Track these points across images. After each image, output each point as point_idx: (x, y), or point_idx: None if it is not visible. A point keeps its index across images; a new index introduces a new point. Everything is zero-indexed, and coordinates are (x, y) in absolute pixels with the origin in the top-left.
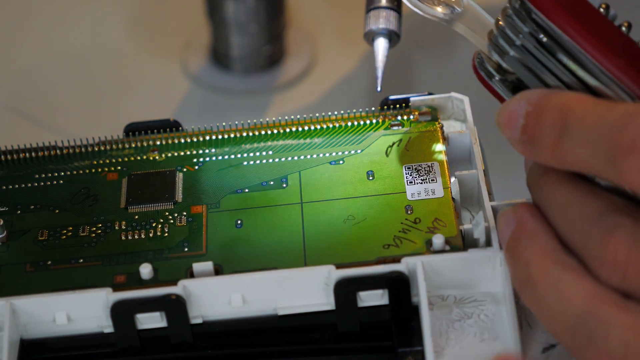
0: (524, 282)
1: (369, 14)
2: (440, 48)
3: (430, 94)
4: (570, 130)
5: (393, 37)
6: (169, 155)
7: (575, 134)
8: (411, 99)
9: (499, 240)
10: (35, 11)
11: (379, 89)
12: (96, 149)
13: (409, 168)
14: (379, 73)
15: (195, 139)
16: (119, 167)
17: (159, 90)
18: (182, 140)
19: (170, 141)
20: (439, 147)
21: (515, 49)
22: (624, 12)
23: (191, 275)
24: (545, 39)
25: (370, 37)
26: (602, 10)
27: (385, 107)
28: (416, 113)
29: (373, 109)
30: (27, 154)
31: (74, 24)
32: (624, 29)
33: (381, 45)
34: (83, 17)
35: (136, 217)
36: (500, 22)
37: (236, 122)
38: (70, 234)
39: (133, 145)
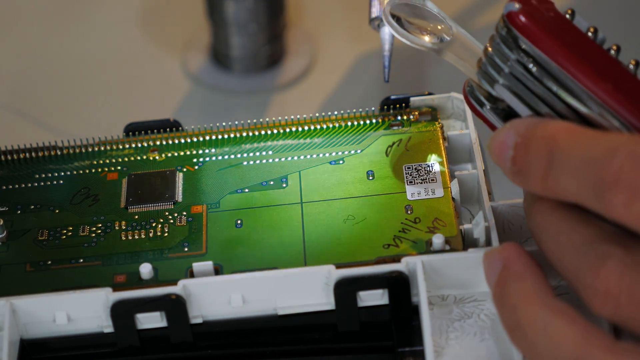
0: (513, 327)
1: (373, 1)
2: None
3: (430, 93)
4: (557, 162)
5: None
6: (169, 155)
7: (563, 167)
8: (411, 98)
9: (486, 281)
10: (35, 11)
11: (386, 78)
12: (96, 149)
13: (409, 168)
14: (386, 62)
15: (195, 139)
16: (119, 167)
17: (159, 90)
18: (182, 140)
19: (170, 141)
20: (439, 147)
21: (504, 77)
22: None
23: (191, 275)
24: (532, 66)
25: (376, 24)
26: (590, 34)
27: (385, 107)
28: (416, 113)
29: (373, 109)
30: (27, 154)
31: (74, 24)
32: (612, 52)
33: (387, 33)
34: (83, 17)
35: (136, 217)
36: (489, 50)
37: (236, 122)
38: (70, 233)
39: (133, 145)
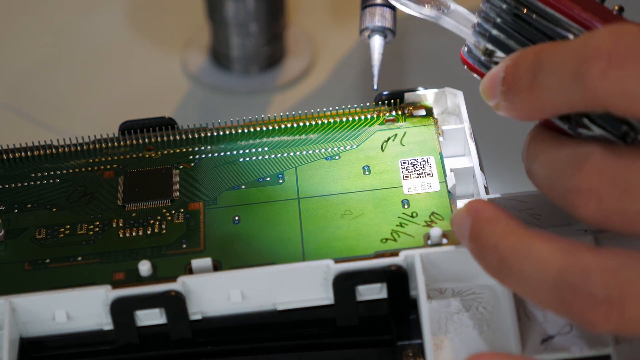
0: (498, 265)
1: (364, 11)
2: (434, 42)
3: (424, 88)
4: (543, 66)
5: (388, 34)
6: (165, 152)
7: (547, 67)
8: (405, 93)
9: (459, 241)
10: (34, 9)
11: (375, 87)
12: (92, 147)
13: (404, 162)
14: (375, 71)
15: (190, 136)
16: (115, 166)
17: (159, 90)
18: (178, 138)
19: (165, 139)
20: (434, 141)
21: (496, 27)
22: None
23: (190, 271)
24: (522, 8)
25: (365, 34)
26: None
27: (380, 102)
28: (410, 108)
29: (368, 104)
30: (23, 153)
31: (74, 23)
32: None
33: (377, 43)
34: (82, 16)
35: (133, 214)
36: (482, 8)
37: (231, 119)
38: (67, 232)
39: (128, 144)
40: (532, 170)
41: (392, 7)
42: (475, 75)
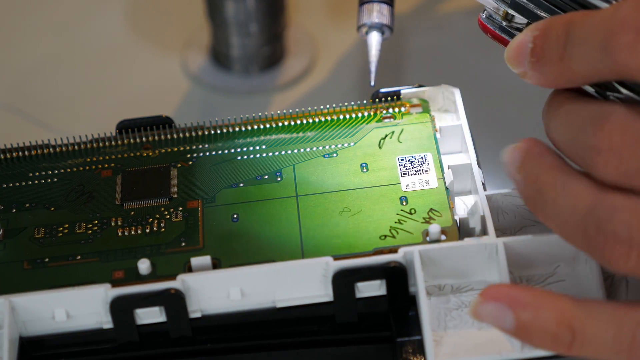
0: (535, 196)
1: (362, 8)
2: (431, 40)
3: (421, 86)
4: (572, 37)
5: (386, 31)
6: (163, 151)
7: (577, 38)
8: (402, 91)
9: (508, 173)
10: (33, 9)
11: (372, 83)
12: (89, 146)
13: (402, 160)
14: (372, 67)
15: (188, 135)
16: (113, 164)
17: (158, 90)
18: (175, 137)
19: (163, 137)
20: (431, 138)
21: None
22: None
23: (189, 269)
24: None
25: (363, 30)
26: None
27: (377, 99)
28: (407, 105)
29: (365, 101)
30: (21, 153)
31: (73, 23)
32: None
33: (374, 39)
34: (82, 16)
35: (132, 213)
36: None
37: (229, 118)
38: (66, 231)
39: (126, 142)
40: (552, 126)
41: (390, 4)
42: (494, 41)
